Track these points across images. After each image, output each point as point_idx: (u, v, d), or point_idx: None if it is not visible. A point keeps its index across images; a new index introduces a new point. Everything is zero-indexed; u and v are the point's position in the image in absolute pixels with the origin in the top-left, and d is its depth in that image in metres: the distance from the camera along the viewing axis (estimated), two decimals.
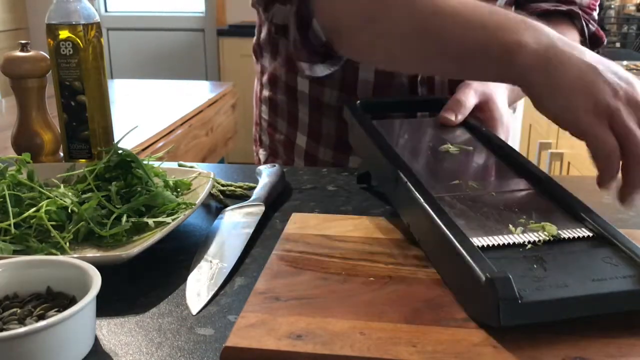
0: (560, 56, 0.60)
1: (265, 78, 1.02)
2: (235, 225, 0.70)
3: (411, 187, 0.60)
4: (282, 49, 0.96)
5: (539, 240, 0.55)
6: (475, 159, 0.70)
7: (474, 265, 0.49)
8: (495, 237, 0.55)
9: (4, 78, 0.88)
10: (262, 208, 0.73)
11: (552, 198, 0.62)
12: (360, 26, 0.73)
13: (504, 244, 0.54)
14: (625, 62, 2.35)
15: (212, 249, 0.65)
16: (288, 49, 0.88)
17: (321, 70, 0.88)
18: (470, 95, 0.78)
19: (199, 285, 0.58)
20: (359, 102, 0.81)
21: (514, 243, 0.54)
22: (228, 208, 0.74)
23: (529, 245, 0.54)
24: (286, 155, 1.03)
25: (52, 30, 0.81)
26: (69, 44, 0.81)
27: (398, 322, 0.49)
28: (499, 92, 0.82)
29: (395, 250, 0.61)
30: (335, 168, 0.97)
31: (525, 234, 0.55)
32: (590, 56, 0.61)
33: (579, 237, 0.56)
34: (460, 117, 0.76)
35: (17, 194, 0.67)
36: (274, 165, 0.85)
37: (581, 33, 0.95)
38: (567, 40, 0.62)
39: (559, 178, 0.70)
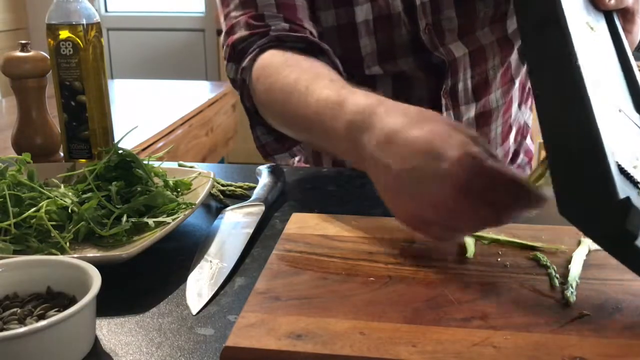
0: (365, 141, 0.57)
1: None
2: (235, 225, 0.70)
3: (580, 67, 0.50)
4: None
5: None
6: (610, 64, 0.62)
7: (615, 182, 0.44)
8: (625, 161, 0.48)
9: (4, 78, 0.88)
10: (262, 208, 0.73)
11: None
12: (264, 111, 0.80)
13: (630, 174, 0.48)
14: None
15: (212, 249, 0.65)
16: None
17: (301, 148, 0.87)
18: None
19: (199, 285, 0.58)
20: None
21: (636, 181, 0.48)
22: (228, 208, 0.74)
23: None
24: (313, 158, 1.04)
25: (52, 30, 0.81)
26: (69, 44, 0.81)
27: (398, 322, 0.49)
28: None
29: (395, 250, 0.61)
30: (335, 168, 0.97)
31: None
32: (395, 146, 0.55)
33: None
34: (614, 4, 0.66)
35: (18, 194, 0.67)
36: (274, 165, 0.85)
37: None
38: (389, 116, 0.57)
39: None
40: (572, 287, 0.53)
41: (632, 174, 0.48)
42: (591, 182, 0.46)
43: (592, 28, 0.60)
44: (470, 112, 0.95)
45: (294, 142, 0.84)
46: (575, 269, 0.56)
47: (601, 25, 0.64)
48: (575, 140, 0.48)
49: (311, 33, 0.82)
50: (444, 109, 0.92)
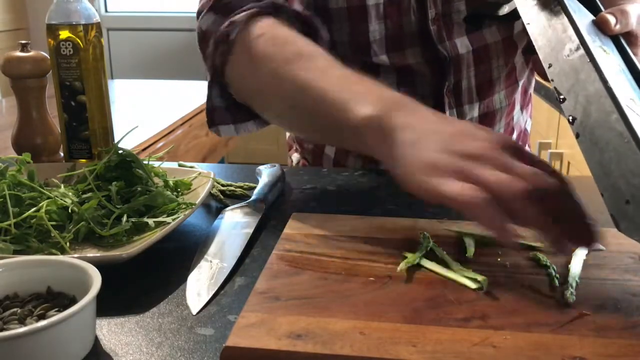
0: (396, 126, 0.59)
1: None
2: (235, 225, 0.70)
3: (597, 59, 0.53)
4: None
5: None
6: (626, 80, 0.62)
7: None
8: None
9: (4, 78, 0.88)
10: (262, 208, 0.73)
11: None
12: (254, 99, 0.78)
13: None
14: None
15: (212, 249, 0.65)
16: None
17: (250, 127, 0.83)
18: (635, 13, 0.68)
19: (199, 285, 0.58)
20: None
21: None
22: (228, 208, 0.74)
23: None
24: (315, 163, 1.04)
25: (52, 30, 0.81)
26: (69, 44, 0.81)
27: (398, 322, 0.49)
28: None
29: (395, 250, 0.61)
30: (335, 168, 0.97)
31: None
32: (426, 122, 0.59)
33: None
34: (619, 29, 0.66)
35: (18, 194, 0.67)
36: (274, 165, 0.85)
37: None
38: (411, 107, 0.61)
39: None
40: (571, 287, 0.53)
41: None
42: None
43: (605, 51, 0.61)
44: (474, 112, 0.95)
45: (245, 117, 0.80)
46: (575, 269, 0.56)
47: (612, 48, 0.65)
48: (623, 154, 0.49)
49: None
50: (446, 107, 0.92)
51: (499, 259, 0.59)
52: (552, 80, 0.56)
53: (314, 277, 0.56)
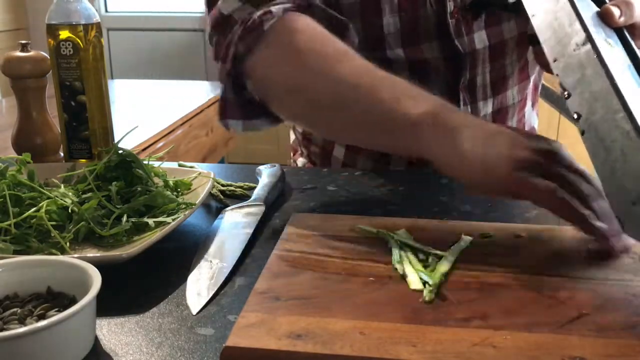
0: (454, 123, 0.61)
1: None
2: (235, 225, 0.70)
3: (603, 55, 0.53)
4: None
5: None
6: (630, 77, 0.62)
7: None
8: None
9: (4, 78, 0.88)
10: (262, 208, 0.73)
11: None
12: (285, 94, 0.75)
13: None
14: None
15: (212, 249, 0.65)
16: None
17: (259, 125, 0.80)
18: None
19: (199, 285, 0.58)
20: None
21: None
22: (228, 208, 0.74)
23: None
24: (323, 165, 1.02)
25: (52, 30, 0.81)
26: (69, 44, 0.81)
27: (398, 322, 0.49)
28: None
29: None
30: (335, 168, 0.97)
31: None
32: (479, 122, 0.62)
33: None
34: (623, 21, 0.66)
35: (18, 194, 0.67)
36: (274, 165, 0.85)
37: None
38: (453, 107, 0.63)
39: None
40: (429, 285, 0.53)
41: None
42: None
43: (609, 44, 0.61)
44: (488, 108, 0.94)
45: (255, 114, 0.78)
46: (444, 265, 0.57)
47: (616, 41, 0.64)
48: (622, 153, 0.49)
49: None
50: (461, 103, 0.91)
51: (499, 258, 0.59)
52: (557, 75, 0.56)
53: (314, 277, 0.56)
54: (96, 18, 0.83)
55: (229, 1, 0.77)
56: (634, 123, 0.49)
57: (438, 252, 0.60)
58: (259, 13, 0.74)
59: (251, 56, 0.74)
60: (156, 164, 0.77)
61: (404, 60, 0.88)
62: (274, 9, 0.74)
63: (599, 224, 0.54)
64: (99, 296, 0.48)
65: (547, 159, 0.57)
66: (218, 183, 0.82)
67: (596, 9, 0.66)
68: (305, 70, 0.72)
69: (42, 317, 0.48)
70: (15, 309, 0.49)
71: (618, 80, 0.51)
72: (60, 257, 0.56)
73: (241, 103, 0.78)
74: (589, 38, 0.55)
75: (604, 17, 0.65)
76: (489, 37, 0.89)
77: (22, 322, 0.48)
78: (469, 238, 0.62)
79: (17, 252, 0.61)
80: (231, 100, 0.78)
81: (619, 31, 0.66)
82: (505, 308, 0.51)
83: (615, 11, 0.65)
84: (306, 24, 0.74)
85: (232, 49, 0.75)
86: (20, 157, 0.72)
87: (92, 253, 0.63)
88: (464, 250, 0.60)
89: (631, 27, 0.68)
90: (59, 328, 0.45)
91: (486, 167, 0.58)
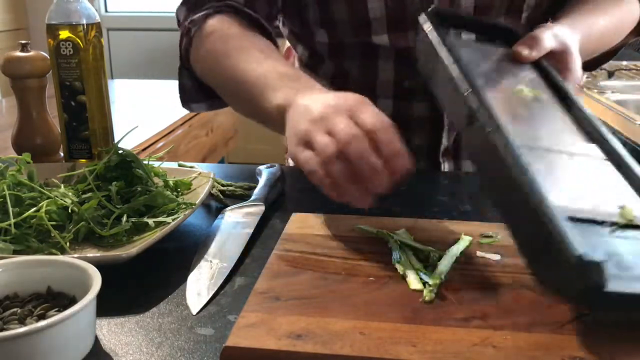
0: (289, 110, 0.63)
1: None
2: (235, 225, 0.70)
3: (493, 134, 0.52)
4: (299, 46, 0.98)
5: (630, 221, 0.49)
6: (551, 111, 0.64)
7: (565, 240, 0.43)
8: (582, 208, 0.48)
9: (4, 78, 0.88)
10: (262, 208, 0.73)
11: (624, 172, 0.55)
12: (212, 86, 0.86)
13: (591, 219, 0.48)
14: (625, 62, 2.35)
15: (212, 249, 0.65)
16: None
17: (221, 104, 0.91)
18: (548, 36, 0.72)
19: (199, 285, 0.58)
20: (434, 9, 0.69)
21: (602, 221, 0.48)
22: (228, 208, 0.74)
23: (617, 227, 0.49)
24: None
25: (52, 30, 0.81)
26: (69, 44, 0.81)
27: (398, 322, 0.49)
28: (575, 43, 0.76)
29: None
30: None
31: (613, 213, 0.49)
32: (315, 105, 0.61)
33: None
34: (536, 55, 0.70)
35: (18, 194, 0.67)
36: (274, 165, 0.85)
37: None
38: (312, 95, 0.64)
39: None
40: (432, 284, 0.53)
41: (594, 217, 0.49)
42: (548, 249, 0.46)
43: (522, 90, 0.63)
44: None
45: (215, 95, 0.87)
46: (443, 266, 0.57)
47: (533, 78, 0.68)
48: (521, 215, 0.49)
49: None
50: None
51: (499, 259, 0.59)
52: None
53: (314, 277, 0.56)
54: (96, 18, 0.83)
55: (180, 8, 0.92)
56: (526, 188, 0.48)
57: (438, 252, 0.60)
58: (187, 22, 0.86)
59: (189, 55, 0.87)
60: (156, 164, 0.77)
61: (390, 47, 0.89)
62: (196, 17, 0.85)
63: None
64: (99, 296, 0.48)
65: (334, 130, 0.56)
66: (218, 183, 0.82)
67: (506, 49, 0.70)
68: (209, 67, 0.84)
69: (42, 317, 0.48)
70: (15, 309, 0.49)
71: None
72: (60, 257, 0.56)
73: (197, 88, 0.90)
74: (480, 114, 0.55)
75: (517, 59, 0.69)
76: None
77: (22, 322, 0.48)
78: (468, 238, 0.62)
79: (17, 252, 0.61)
80: (188, 86, 0.91)
81: (537, 65, 0.70)
82: (505, 308, 0.51)
83: (523, 50, 0.69)
84: (219, 27, 0.83)
85: (181, 48, 0.89)
86: (20, 157, 0.72)
87: (92, 253, 0.63)
88: (464, 250, 0.60)
89: (553, 55, 0.72)
90: (59, 328, 0.45)
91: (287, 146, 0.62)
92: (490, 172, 0.54)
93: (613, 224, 0.49)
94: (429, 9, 0.68)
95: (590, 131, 0.60)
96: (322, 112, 0.58)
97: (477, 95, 0.55)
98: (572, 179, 0.54)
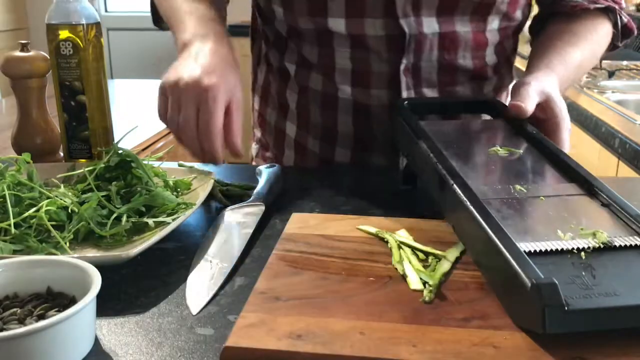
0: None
1: (255, 63, 1.05)
2: (235, 225, 0.70)
3: (457, 190, 0.59)
4: (270, 34, 0.97)
5: (589, 247, 0.53)
6: (525, 162, 0.69)
7: (519, 270, 0.47)
8: (544, 242, 0.53)
9: (4, 78, 0.88)
10: (262, 208, 0.73)
11: (604, 204, 0.60)
12: None
13: (552, 249, 0.52)
14: (625, 62, 2.35)
15: (212, 249, 0.65)
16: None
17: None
18: (532, 92, 0.77)
19: (199, 285, 0.58)
20: (406, 101, 0.82)
21: (562, 249, 0.52)
22: (228, 208, 0.74)
23: (579, 252, 0.52)
24: (276, 149, 1.02)
25: (52, 30, 0.81)
26: (69, 44, 0.81)
27: (398, 322, 0.49)
28: (555, 89, 0.81)
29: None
30: (335, 168, 0.96)
31: (574, 240, 0.53)
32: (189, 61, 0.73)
33: (631, 245, 0.53)
34: (530, 108, 0.75)
35: (17, 194, 0.67)
36: (274, 165, 0.85)
37: (614, 25, 0.94)
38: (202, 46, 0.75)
39: None
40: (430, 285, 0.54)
41: (551, 246, 0.53)
42: (510, 283, 0.49)
43: (497, 149, 0.71)
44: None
45: None
46: (444, 266, 0.57)
47: (509, 137, 0.75)
48: (489, 257, 0.54)
49: None
50: (403, 87, 0.89)
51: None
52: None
53: (314, 277, 0.56)
54: (96, 18, 0.83)
55: None
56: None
57: (438, 252, 0.60)
58: None
59: None
60: (156, 164, 0.77)
61: (345, 35, 0.87)
62: None
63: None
64: (99, 296, 0.48)
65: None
66: (218, 183, 0.82)
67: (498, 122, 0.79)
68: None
69: (42, 317, 0.48)
70: (15, 309, 0.49)
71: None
72: (60, 257, 0.56)
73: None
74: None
75: (517, 114, 0.76)
76: (439, 24, 0.87)
77: (22, 322, 0.48)
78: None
79: (17, 252, 0.61)
80: (154, 7, 0.95)
81: (524, 131, 0.75)
82: None
83: (518, 109, 0.75)
84: None
85: None
86: (20, 157, 0.72)
87: (92, 253, 0.63)
88: (464, 250, 0.60)
89: (554, 119, 0.78)
90: (59, 328, 0.45)
91: None
92: (464, 226, 0.59)
93: (580, 250, 0.53)
94: (399, 102, 0.82)
95: (569, 170, 0.66)
96: (184, 84, 0.69)
97: (445, 162, 0.64)
98: (539, 217, 0.58)
